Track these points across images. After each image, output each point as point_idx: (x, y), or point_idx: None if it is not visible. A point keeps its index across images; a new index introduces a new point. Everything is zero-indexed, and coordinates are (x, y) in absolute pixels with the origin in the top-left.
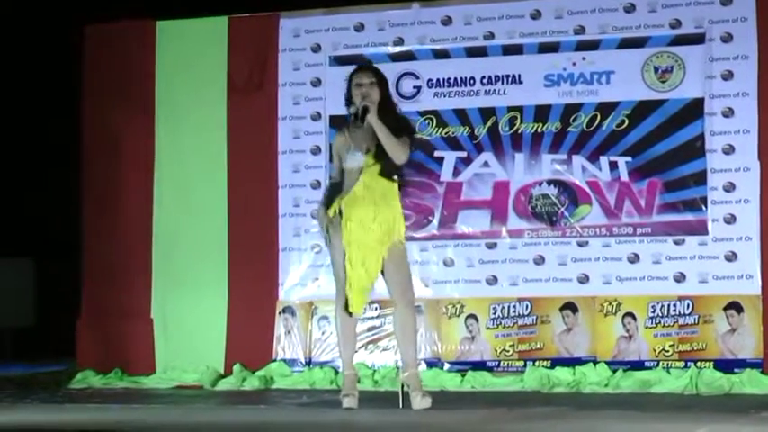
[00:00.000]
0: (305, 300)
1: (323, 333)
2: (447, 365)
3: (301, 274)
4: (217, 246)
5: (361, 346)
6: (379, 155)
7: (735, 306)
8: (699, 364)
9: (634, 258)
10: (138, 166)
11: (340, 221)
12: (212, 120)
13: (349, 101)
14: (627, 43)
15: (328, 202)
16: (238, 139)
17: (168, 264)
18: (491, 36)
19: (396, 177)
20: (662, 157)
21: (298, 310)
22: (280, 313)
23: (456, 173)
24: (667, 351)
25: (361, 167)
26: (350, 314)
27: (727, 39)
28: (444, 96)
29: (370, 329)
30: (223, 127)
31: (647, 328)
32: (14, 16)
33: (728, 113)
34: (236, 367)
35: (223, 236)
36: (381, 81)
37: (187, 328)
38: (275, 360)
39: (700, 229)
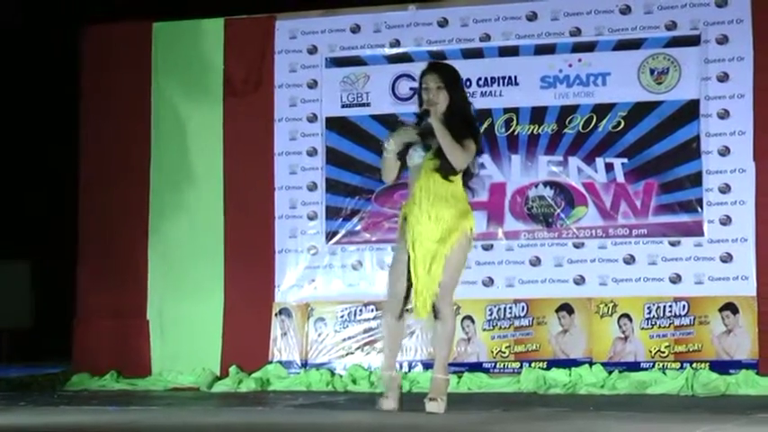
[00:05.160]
0: (301, 301)
1: (319, 335)
2: None
3: (297, 276)
4: (213, 247)
5: (358, 348)
6: (437, 154)
7: (730, 307)
8: (695, 365)
9: (630, 260)
10: (134, 168)
11: (405, 226)
12: (208, 121)
13: (420, 99)
14: (623, 45)
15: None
16: (235, 140)
17: (164, 265)
18: (487, 38)
19: (452, 178)
20: (658, 158)
21: (294, 312)
22: (276, 315)
23: None
24: (663, 352)
25: (421, 166)
26: (399, 318)
27: (723, 40)
28: None
29: (366, 331)
30: (219, 128)
31: (642, 329)
32: (13, 18)
33: (724, 115)
34: (233, 369)
35: (219, 237)
36: (450, 83)
37: (183, 330)
38: (271, 362)
39: (695, 230)
